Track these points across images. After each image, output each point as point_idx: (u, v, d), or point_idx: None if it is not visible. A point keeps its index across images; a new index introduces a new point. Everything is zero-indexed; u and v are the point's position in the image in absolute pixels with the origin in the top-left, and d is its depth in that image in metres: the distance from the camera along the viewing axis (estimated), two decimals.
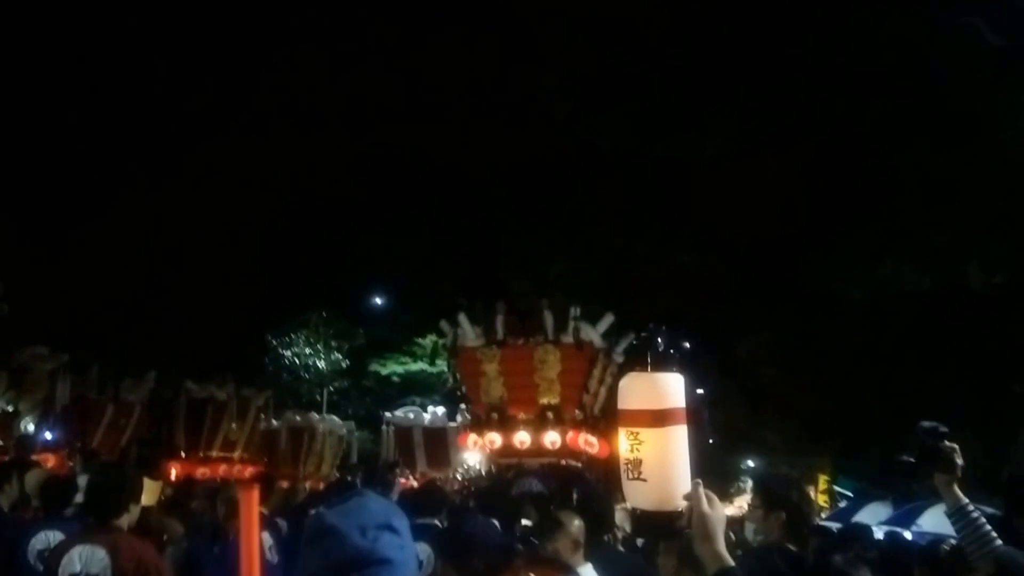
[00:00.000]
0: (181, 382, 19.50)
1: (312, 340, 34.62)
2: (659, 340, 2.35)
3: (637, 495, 2.24)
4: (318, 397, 32.19)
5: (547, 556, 3.48)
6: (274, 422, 21.95)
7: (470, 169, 29.59)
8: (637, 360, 2.36)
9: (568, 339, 13.20)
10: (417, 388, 34.27)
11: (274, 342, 34.50)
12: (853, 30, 15.81)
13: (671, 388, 2.24)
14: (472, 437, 14.07)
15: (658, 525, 2.30)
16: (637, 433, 2.23)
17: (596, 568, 3.81)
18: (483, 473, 15.33)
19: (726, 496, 35.25)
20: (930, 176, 15.08)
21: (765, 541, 3.54)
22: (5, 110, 28.88)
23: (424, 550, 4.76)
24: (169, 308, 29.66)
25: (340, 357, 35.03)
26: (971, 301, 15.95)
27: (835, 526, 10.09)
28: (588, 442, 13.17)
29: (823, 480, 23.52)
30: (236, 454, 20.03)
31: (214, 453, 19.38)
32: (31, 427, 14.48)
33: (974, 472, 3.10)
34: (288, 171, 33.30)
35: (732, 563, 2.13)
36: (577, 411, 13.41)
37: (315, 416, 23.86)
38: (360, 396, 34.89)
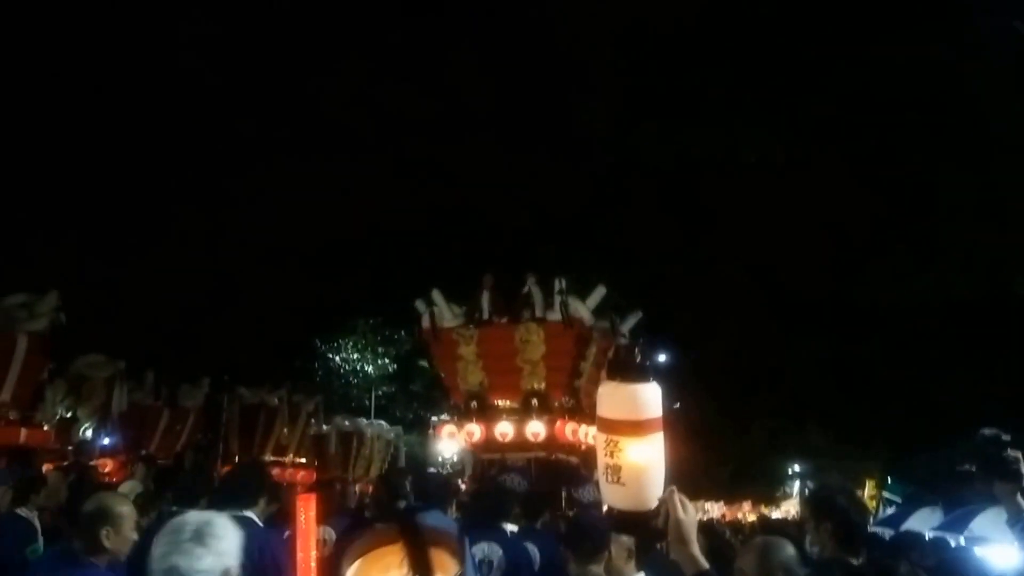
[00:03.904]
0: (234, 388, 19.99)
1: (360, 346, 35.14)
2: (637, 351, 2.45)
3: (614, 497, 2.32)
4: (367, 402, 32.59)
5: None
6: (324, 427, 22.30)
7: (510, 188, 29.77)
8: (617, 371, 2.36)
9: (554, 316, 11.63)
10: None
11: (323, 347, 35.07)
12: (895, 45, 15.66)
13: (649, 399, 2.29)
14: (448, 429, 12.28)
15: (632, 523, 2.39)
16: (616, 441, 2.29)
17: None
18: (466, 469, 13.79)
19: (772, 500, 34.93)
20: (974, 190, 14.87)
21: (820, 554, 3.48)
22: (67, 124, 29.85)
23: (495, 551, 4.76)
24: (222, 316, 30.35)
25: (388, 362, 35.45)
26: (1017, 309, 15.70)
27: (887, 532, 9.91)
28: (587, 433, 11.54)
29: (871, 485, 23.08)
30: (288, 458, 20.47)
31: (267, 457, 19.78)
32: (89, 433, 14.95)
33: None
34: (336, 185, 33.80)
35: (707, 566, 2.20)
36: (567, 398, 11.87)
37: (363, 421, 24.16)
38: (407, 400, 35.23)
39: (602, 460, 2.33)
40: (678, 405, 16.72)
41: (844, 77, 16.53)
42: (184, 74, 32.63)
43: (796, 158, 17.60)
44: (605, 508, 2.39)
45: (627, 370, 2.31)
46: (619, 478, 2.28)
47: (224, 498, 4.22)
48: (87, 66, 31.69)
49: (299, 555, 2.81)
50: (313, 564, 2.79)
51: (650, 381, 2.30)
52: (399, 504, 4.61)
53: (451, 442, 13.05)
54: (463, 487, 11.55)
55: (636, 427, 2.27)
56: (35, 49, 29.51)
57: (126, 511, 3.56)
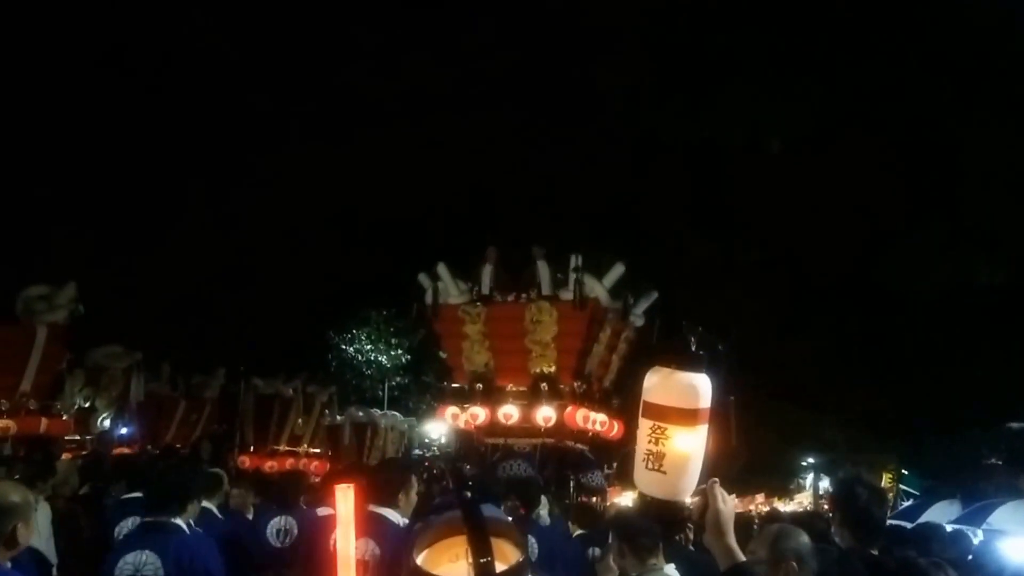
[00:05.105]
0: (249, 379, 20.08)
1: (374, 337, 35.26)
2: (692, 339, 2.29)
3: (652, 485, 2.27)
4: (380, 393, 32.66)
5: None
6: (338, 417, 22.39)
7: (528, 168, 29.52)
8: (669, 356, 2.29)
9: (568, 295, 11.01)
10: None
11: (336, 339, 35.21)
12: (930, 16, 15.26)
13: (700, 389, 2.25)
14: (451, 411, 11.54)
15: (664, 513, 2.37)
16: (664, 429, 2.25)
17: (678, 568, 3.90)
18: (452, 452, 13.59)
19: (786, 493, 34.82)
20: (1003, 169, 14.61)
21: (842, 544, 3.48)
22: (81, 112, 29.98)
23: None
24: (237, 307, 30.51)
25: (401, 353, 35.54)
26: None
27: (904, 525, 9.89)
28: (597, 420, 11.23)
29: (887, 478, 22.93)
30: (302, 448, 20.56)
31: (281, 447, 19.90)
32: (108, 423, 15.10)
33: None
34: (350, 175, 33.71)
35: (743, 558, 2.22)
36: (577, 382, 11.29)
37: (377, 412, 24.19)
38: (420, 391, 35.31)
39: (644, 446, 2.27)
40: (732, 398, 16.14)
41: (876, 43, 16.03)
42: (201, 53, 32.36)
43: (822, 134, 17.18)
44: (637, 495, 2.34)
45: (681, 358, 2.27)
46: (660, 466, 2.23)
47: (152, 503, 4.20)
48: (102, 61, 31.75)
49: (340, 548, 2.71)
50: (353, 557, 2.69)
51: (703, 371, 2.26)
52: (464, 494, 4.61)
53: (440, 424, 12.29)
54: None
55: (686, 416, 2.23)
56: (48, 45, 29.62)
57: (31, 499, 3.34)
